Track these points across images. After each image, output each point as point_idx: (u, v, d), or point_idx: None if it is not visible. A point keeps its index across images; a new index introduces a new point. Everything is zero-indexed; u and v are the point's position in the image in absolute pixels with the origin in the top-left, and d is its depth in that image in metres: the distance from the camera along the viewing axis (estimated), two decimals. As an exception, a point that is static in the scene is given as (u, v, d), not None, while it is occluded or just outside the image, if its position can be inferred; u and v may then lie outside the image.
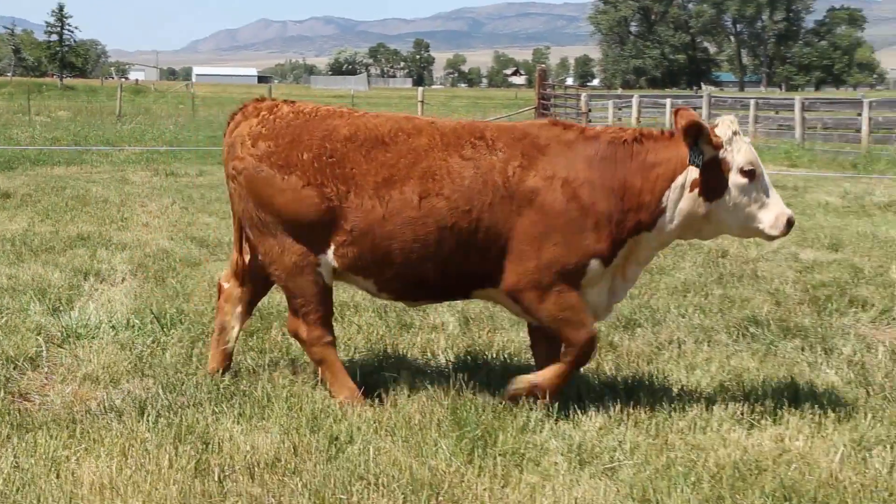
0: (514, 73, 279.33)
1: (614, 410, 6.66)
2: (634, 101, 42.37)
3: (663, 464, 5.84)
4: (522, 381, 6.71)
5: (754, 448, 6.13)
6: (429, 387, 6.98)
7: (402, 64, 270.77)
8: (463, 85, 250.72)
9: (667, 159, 6.55)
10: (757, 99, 37.87)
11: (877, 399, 7.22)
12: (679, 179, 6.51)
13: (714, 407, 6.80)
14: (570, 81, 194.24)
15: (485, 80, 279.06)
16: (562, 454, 5.96)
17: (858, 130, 29.24)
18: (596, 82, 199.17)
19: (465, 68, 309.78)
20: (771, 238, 6.63)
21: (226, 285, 7.31)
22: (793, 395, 7.17)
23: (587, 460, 5.92)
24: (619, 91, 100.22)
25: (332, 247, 6.65)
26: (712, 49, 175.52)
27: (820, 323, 9.35)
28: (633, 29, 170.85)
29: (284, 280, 6.81)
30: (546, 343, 6.96)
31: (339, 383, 6.84)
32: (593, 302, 6.70)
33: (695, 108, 38.59)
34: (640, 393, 7.08)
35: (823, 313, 9.76)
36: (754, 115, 33.96)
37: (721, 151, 6.46)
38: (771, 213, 6.47)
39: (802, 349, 8.50)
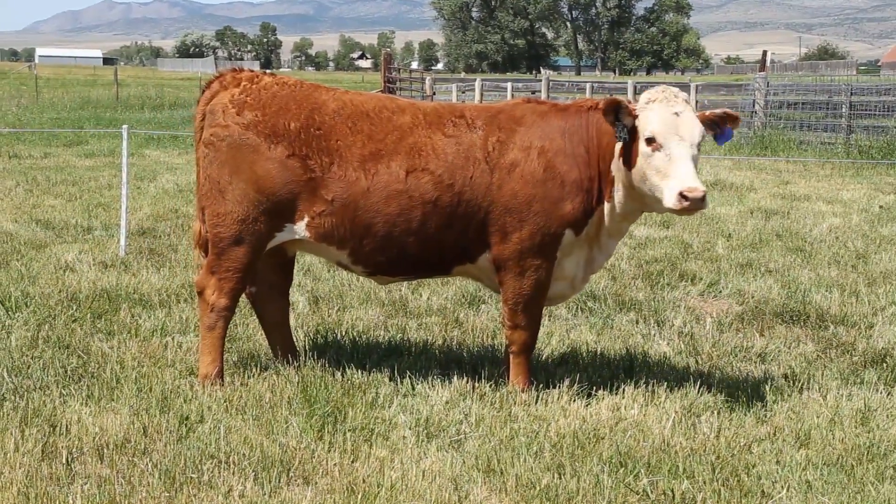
0: (361, 57, 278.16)
1: (460, 384, 6.70)
2: (477, 84, 42.63)
3: (507, 435, 5.91)
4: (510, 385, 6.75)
5: (592, 417, 6.25)
6: (279, 365, 6.92)
7: (250, 47, 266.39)
8: (310, 68, 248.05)
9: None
10: (592, 83, 38.55)
11: (705, 367, 7.45)
12: (616, 148, 6.45)
13: (555, 379, 6.92)
14: (415, 65, 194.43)
15: (332, 64, 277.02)
16: (409, 428, 5.97)
17: (686, 113, 29.87)
18: (440, 66, 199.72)
19: (312, 52, 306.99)
20: (673, 212, 6.13)
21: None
22: (628, 366, 7.34)
23: (434, 433, 5.95)
24: (463, 75, 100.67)
25: (307, 218, 6.56)
26: (550, 34, 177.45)
27: (653, 297, 9.59)
28: (474, 14, 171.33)
29: (226, 244, 6.60)
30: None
31: (210, 358, 6.70)
32: (569, 272, 6.72)
33: (534, 92, 39.17)
34: (485, 367, 7.14)
35: (656, 287, 10.01)
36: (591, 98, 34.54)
37: (636, 120, 6.30)
38: (669, 185, 6.05)
39: (637, 322, 8.70)
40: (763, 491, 5.27)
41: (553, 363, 7.45)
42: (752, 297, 9.59)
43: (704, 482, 5.34)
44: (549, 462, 5.55)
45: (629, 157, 6.32)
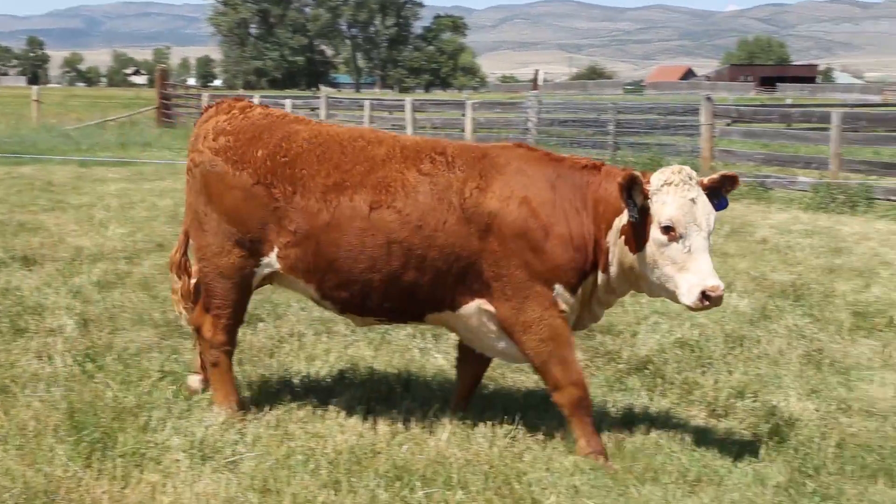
0: (135, 73, 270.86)
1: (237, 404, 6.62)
2: (255, 101, 42.26)
3: (284, 453, 5.85)
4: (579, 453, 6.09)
5: (370, 432, 6.27)
6: (44, 392, 6.65)
7: (15, 62, 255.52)
8: (81, 84, 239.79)
9: (614, 197, 5.93)
10: (371, 100, 38.73)
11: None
12: (616, 222, 5.97)
13: (333, 395, 6.92)
14: (192, 81, 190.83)
15: (104, 80, 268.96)
16: (183, 451, 5.84)
17: (463, 130, 30.55)
18: (218, 82, 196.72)
19: (83, 67, 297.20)
20: (688, 308, 5.74)
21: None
22: (405, 380, 7.41)
23: (209, 455, 5.84)
24: (241, 91, 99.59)
25: (276, 248, 6.31)
26: (330, 52, 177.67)
27: (429, 311, 9.68)
28: (252, 31, 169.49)
29: (211, 279, 6.48)
30: (472, 361, 6.74)
31: (222, 393, 6.56)
32: None
33: (313, 109, 39.09)
34: (263, 386, 7.07)
35: (433, 302, 10.11)
36: (369, 116, 34.71)
37: (648, 201, 5.80)
38: (687, 280, 5.65)
39: (414, 336, 8.76)
40: (533, 498, 5.41)
41: (331, 379, 7.44)
42: (525, 309, 9.81)
43: (478, 492, 5.44)
44: (326, 479, 5.53)
45: (635, 239, 5.87)
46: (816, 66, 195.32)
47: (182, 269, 6.97)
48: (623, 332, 9.03)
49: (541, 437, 6.34)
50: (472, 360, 6.72)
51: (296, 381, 7.36)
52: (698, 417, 6.92)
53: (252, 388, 7.03)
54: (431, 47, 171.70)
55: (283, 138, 6.37)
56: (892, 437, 6.52)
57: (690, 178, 5.79)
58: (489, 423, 6.49)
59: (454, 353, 7.84)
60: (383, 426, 6.39)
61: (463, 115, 31.15)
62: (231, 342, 6.64)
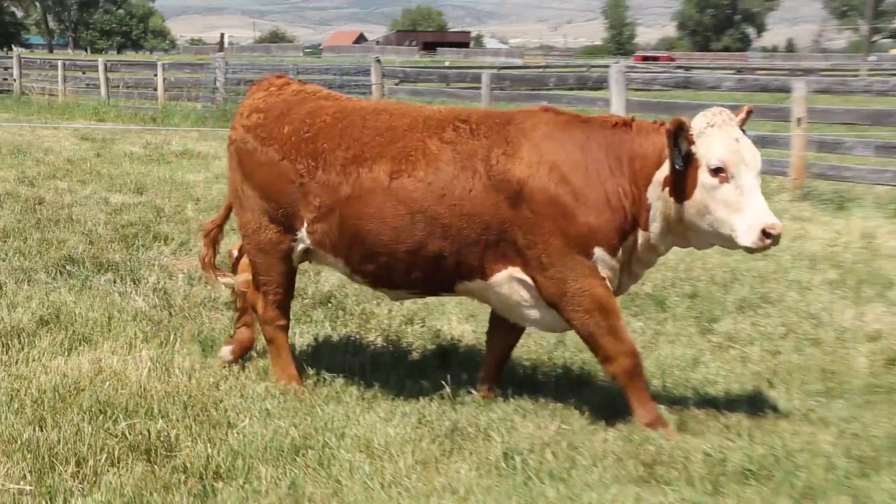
0: None
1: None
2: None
3: (-16, 397, 5.55)
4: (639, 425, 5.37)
5: (74, 371, 6.03)
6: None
7: None
8: None
9: (650, 151, 5.35)
10: (65, 60, 36.56)
11: (178, 319, 7.44)
12: (658, 175, 5.32)
13: (35, 339, 6.61)
14: None
15: None
16: None
17: (156, 89, 29.52)
18: None
19: None
20: (747, 250, 5.13)
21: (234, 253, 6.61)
22: (107, 322, 7.16)
23: None
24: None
25: (305, 224, 5.80)
26: (20, 13, 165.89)
27: (129, 257, 9.38)
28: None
29: (254, 255, 6.07)
30: (503, 332, 6.01)
31: (280, 366, 6.11)
32: None
33: (6, 68, 36.44)
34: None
35: (132, 249, 9.81)
36: (63, 76, 32.73)
37: (692, 146, 5.20)
38: (745, 221, 5.05)
39: (114, 281, 8.46)
40: (229, 422, 5.40)
41: (34, 325, 7.03)
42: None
43: (178, 420, 5.37)
44: (31, 417, 5.30)
45: (682, 188, 5.25)
46: (469, 33, 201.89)
47: (211, 239, 6.53)
48: (307, 271, 9.09)
49: (235, 368, 6.32)
50: (502, 330, 6.03)
51: (-8, 328, 6.92)
52: (375, 343, 7.10)
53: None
54: (121, 11, 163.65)
55: (308, 114, 5.87)
56: (534, 351, 6.93)
57: (731, 119, 5.26)
58: (187, 356, 6.41)
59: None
60: (87, 365, 6.17)
61: (155, 75, 30.08)
62: (282, 316, 6.14)
